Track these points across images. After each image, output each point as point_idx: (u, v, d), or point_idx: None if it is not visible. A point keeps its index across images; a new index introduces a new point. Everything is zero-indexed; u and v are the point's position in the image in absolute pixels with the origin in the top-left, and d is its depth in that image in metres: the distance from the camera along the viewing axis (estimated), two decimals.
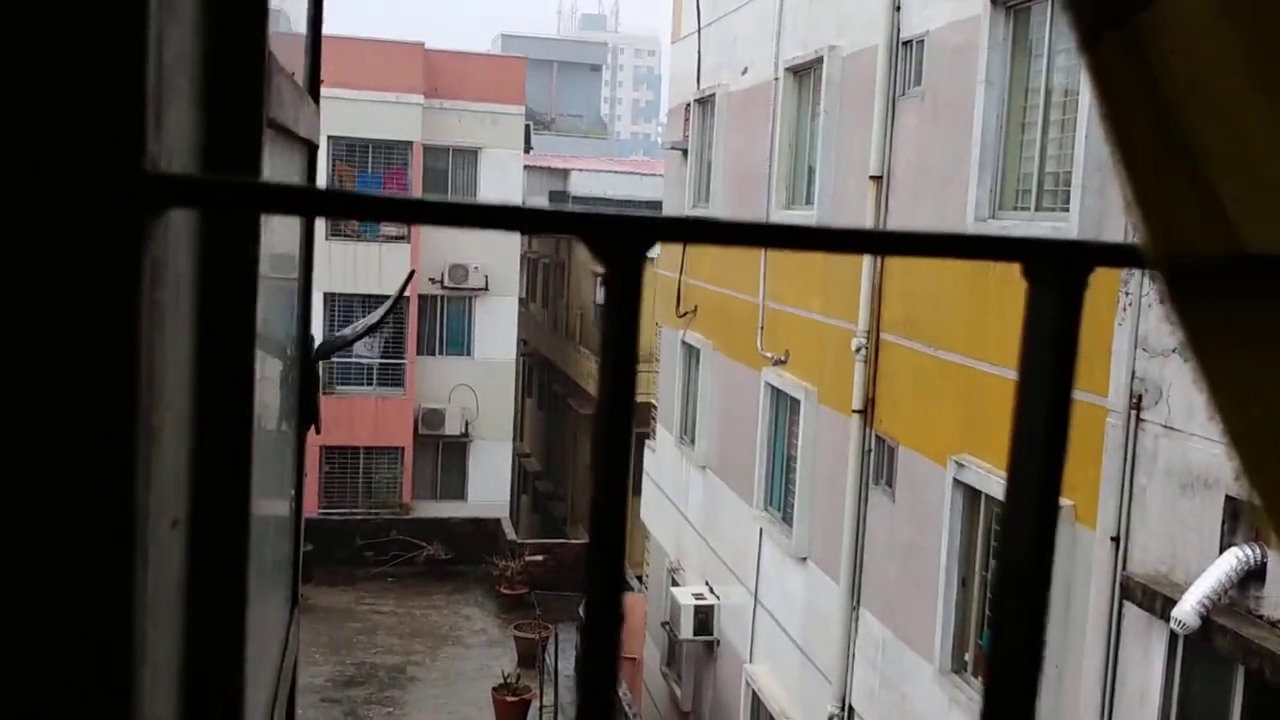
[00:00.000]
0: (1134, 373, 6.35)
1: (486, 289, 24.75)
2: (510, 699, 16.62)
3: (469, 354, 25.07)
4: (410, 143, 23.90)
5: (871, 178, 9.69)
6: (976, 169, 8.10)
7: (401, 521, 23.40)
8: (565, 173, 31.81)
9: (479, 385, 24.78)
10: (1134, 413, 6.33)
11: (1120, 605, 6.36)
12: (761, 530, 12.12)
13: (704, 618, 13.41)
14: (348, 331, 7.14)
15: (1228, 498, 5.64)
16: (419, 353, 24.44)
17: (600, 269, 0.45)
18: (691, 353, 14.70)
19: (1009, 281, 7.59)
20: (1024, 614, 0.47)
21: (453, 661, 18.88)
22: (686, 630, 13.46)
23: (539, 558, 21.56)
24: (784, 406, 11.85)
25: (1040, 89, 7.67)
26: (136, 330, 0.50)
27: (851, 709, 10.01)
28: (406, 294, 22.96)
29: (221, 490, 0.85)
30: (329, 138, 22.30)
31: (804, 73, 11.59)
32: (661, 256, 15.70)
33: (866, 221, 9.71)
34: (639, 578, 18.41)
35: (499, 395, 25.15)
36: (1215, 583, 5.42)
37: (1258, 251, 0.42)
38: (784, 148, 11.85)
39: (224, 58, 0.80)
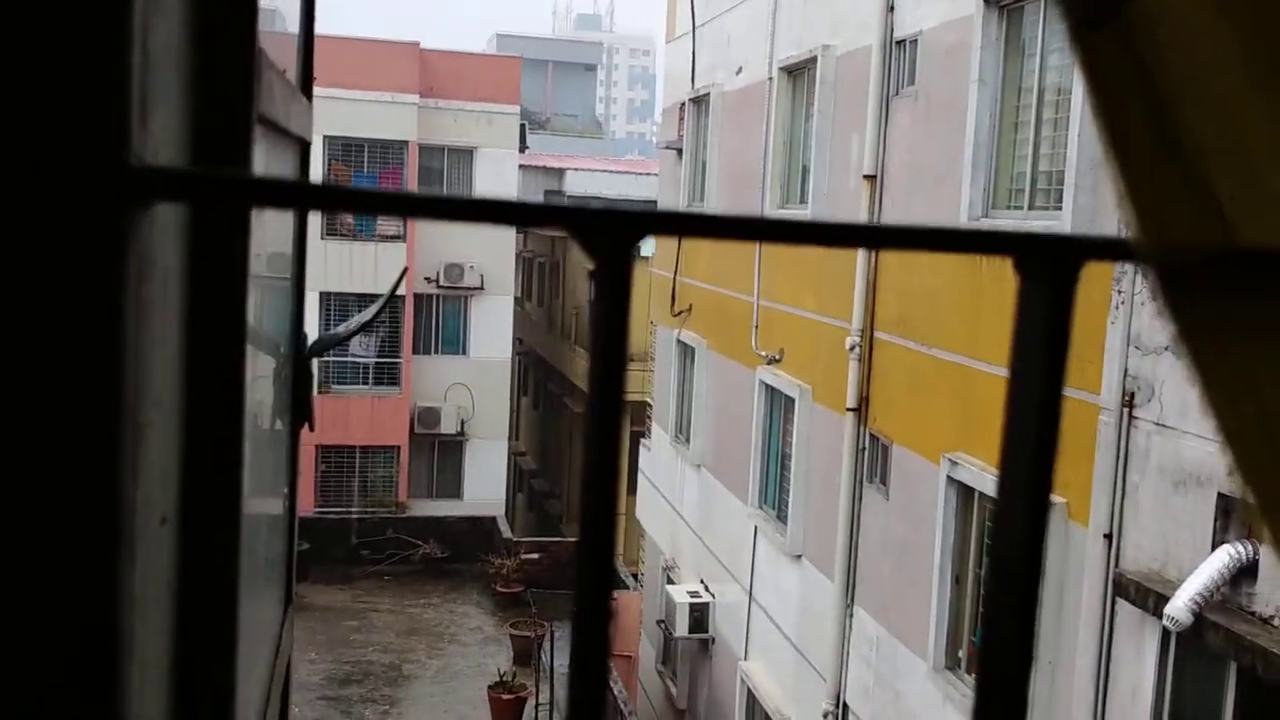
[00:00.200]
0: (1126, 370, 6.37)
1: (482, 288, 24.75)
2: (506, 697, 16.63)
3: (464, 353, 25.07)
4: (405, 142, 23.89)
5: (865, 177, 9.70)
6: (970, 168, 8.11)
7: (397, 520, 23.41)
8: (560, 172, 31.81)
9: (474, 384, 24.78)
10: (1126, 410, 6.34)
11: (1113, 602, 6.37)
12: (756, 528, 12.13)
13: (699, 615, 13.42)
14: (341, 329, 7.13)
15: (1220, 495, 5.66)
16: (414, 352, 24.44)
17: (593, 266, 0.44)
18: (686, 351, 14.71)
19: (1002, 279, 7.60)
20: (1016, 611, 0.47)
21: (449, 660, 18.88)
22: (681, 628, 13.47)
23: (535, 556, 21.57)
24: (778, 405, 11.86)
25: (1033, 88, 7.68)
26: (122, 325, 0.50)
27: (846, 706, 10.02)
28: (401, 292, 23.01)
29: (212, 487, 0.84)
30: (324, 137, 22.28)
31: (798, 72, 11.59)
32: (656, 255, 15.70)
33: (860, 220, 9.72)
34: (634, 575, 18.42)
35: (494, 394, 25.16)
36: (1208, 580, 5.43)
37: (1255, 247, 0.42)
38: (778, 147, 11.86)
39: (213, 51, 0.79)
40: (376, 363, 24.25)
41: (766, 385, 11.93)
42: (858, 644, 9.85)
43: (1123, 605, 6.27)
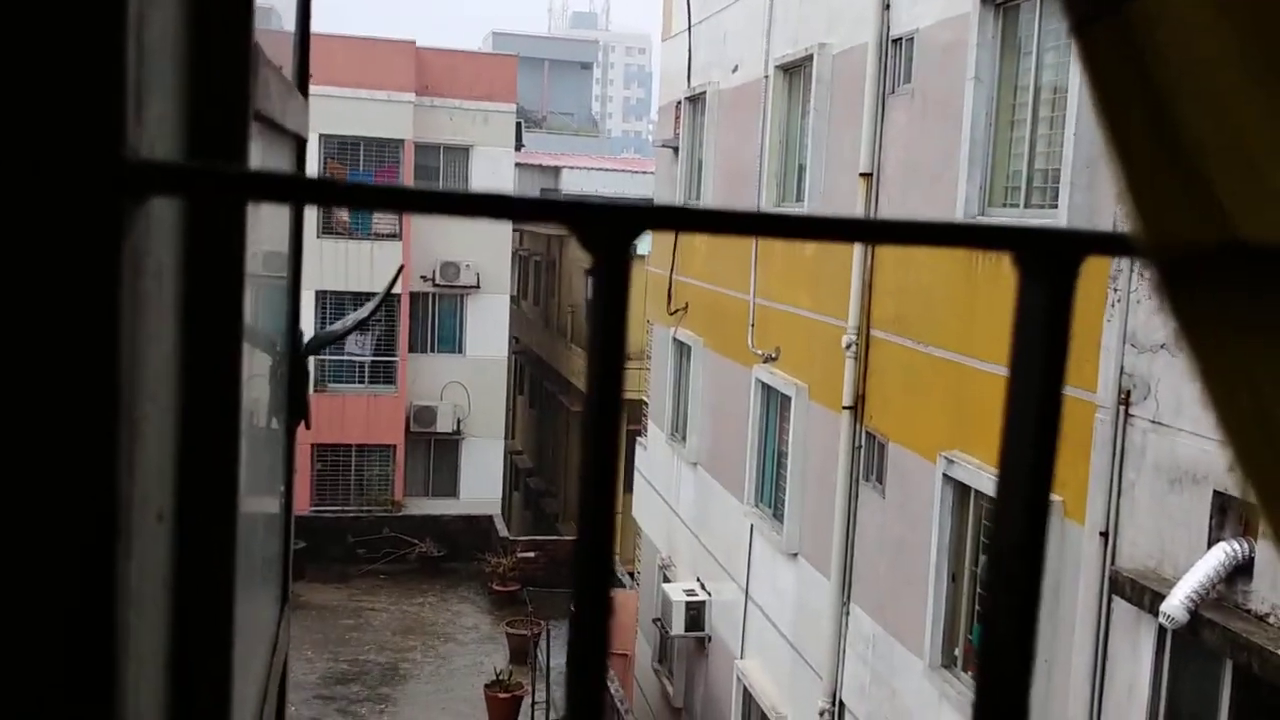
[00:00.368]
0: (1123, 368, 6.37)
1: (478, 287, 24.74)
2: (502, 695, 16.63)
3: (461, 352, 25.06)
4: (401, 141, 23.88)
5: (861, 175, 9.71)
6: (966, 165, 8.12)
7: (394, 519, 23.40)
8: (556, 170, 31.81)
9: (471, 383, 24.77)
10: (1123, 408, 6.35)
11: (1109, 600, 6.38)
12: (752, 526, 12.13)
13: (695, 614, 13.42)
14: (338, 326, 7.14)
15: (1216, 493, 5.66)
16: (411, 350, 24.43)
17: (590, 264, 0.44)
18: (682, 350, 14.71)
19: (998, 277, 7.61)
20: (1015, 610, 0.46)
21: (445, 658, 18.87)
22: (678, 626, 13.48)
23: (531, 554, 21.57)
24: (775, 403, 11.87)
25: (1029, 86, 7.69)
26: (117, 321, 0.49)
27: (842, 704, 10.04)
28: (397, 291, 23.00)
29: (208, 483, 0.84)
30: (320, 136, 22.26)
31: (794, 70, 11.59)
32: (652, 254, 15.70)
33: None
34: (630, 574, 18.42)
35: (491, 393, 25.15)
36: (1203, 577, 5.44)
37: (1254, 243, 0.42)
38: (774, 145, 11.86)
39: (209, 44, 0.79)
40: (373, 361, 24.24)
41: (763, 384, 11.94)
42: (854, 642, 9.86)
43: (1119, 603, 6.28)
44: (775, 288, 11.70)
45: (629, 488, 17.02)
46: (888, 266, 9.40)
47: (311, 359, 2.59)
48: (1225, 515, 5.66)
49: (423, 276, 24.10)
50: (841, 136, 10.24)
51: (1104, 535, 6.46)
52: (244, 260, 0.90)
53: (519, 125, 26.00)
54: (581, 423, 0.44)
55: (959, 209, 8.15)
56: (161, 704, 0.79)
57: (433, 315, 24.95)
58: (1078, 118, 6.84)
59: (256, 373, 1.48)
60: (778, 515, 11.66)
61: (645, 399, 16.73)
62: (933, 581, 8.40)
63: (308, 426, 2.30)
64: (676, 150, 15.16)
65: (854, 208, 9.81)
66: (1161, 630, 5.87)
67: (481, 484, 24.99)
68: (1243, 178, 0.42)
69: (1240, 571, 5.47)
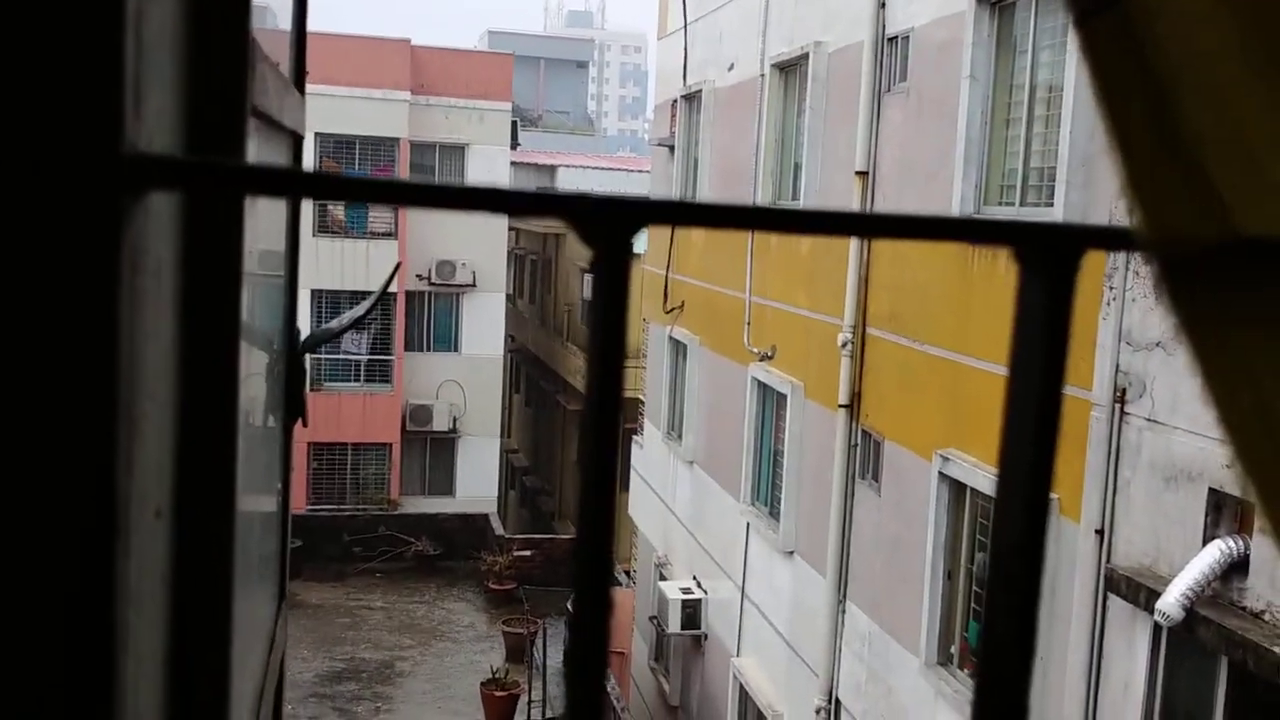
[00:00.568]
0: (1118, 366, 6.38)
1: (474, 285, 24.72)
2: (499, 693, 16.64)
3: (457, 350, 25.05)
4: (397, 139, 23.86)
5: (857, 173, 9.71)
6: (961, 164, 8.13)
7: (390, 517, 23.39)
8: (552, 169, 31.80)
9: (467, 381, 24.76)
10: (1118, 406, 6.36)
11: (1104, 598, 6.39)
12: (748, 525, 12.14)
13: (691, 612, 13.43)
14: (334, 324, 7.14)
15: (1211, 490, 5.67)
16: (406, 349, 24.42)
17: (587, 263, 0.44)
18: (678, 348, 14.71)
19: (993, 275, 7.62)
20: (1015, 610, 0.46)
21: (441, 657, 18.87)
22: (674, 624, 13.48)
23: (527, 553, 21.57)
24: (770, 401, 11.87)
25: (1024, 84, 7.70)
26: (116, 317, 0.49)
27: (838, 702, 10.04)
28: (393, 289, 22.98)
29: (206, 480, 0.84)
30: (316, 134, 22.23)
31: (790, 69, 11.59)
32: (648, 252, 15.69)
33: None
34: (626, 572, 18.42)
35: (487, 391, 25.15)
36: (1199, 575, 5.45)
37: (1255, 236, 0.42)
38: (770, 144, 11.86)
39: (207, 39, 0.79)
40: (369, 360, 24.22)
41: (758, 382, 11.94)
42: (850, 640, 9.87)
43: (1114, 601, 6.29)
44: (771, 286, 11.71)
45: (625, 486, 17.02)
46: (883, 264, 9.41)
47: (308, 357, 2.58)
48: (1220, 513, 5.67)
49: (418, 275, 24.08)
50: (837, 135, 10.24)
51: (1099, 533, 6.47)
52: (242, 255, 0.90)
53: (514, 124, 25.98)
54: (582, 418, 0.44)
55: (955, 207, 8.16)
56: (160, 701, 0.79)
57: (428, 314, 24.94)
58: (1073, 116, 6.85)
59: (254, 370, 1.48)
60: (774, 513, 11.67)
61: (641, 398, 16.73)
62: (928, 579, 8.41)
63: (305, 424, 2.30)
64: (672, 149, 15.15)
65: (849, 206, 9.81)
66: (1157, 628, 5.89)
67: (477, 482, 24.98)
68: (1243, 171, 0.42)
69: (1235, 569, 5.48)
